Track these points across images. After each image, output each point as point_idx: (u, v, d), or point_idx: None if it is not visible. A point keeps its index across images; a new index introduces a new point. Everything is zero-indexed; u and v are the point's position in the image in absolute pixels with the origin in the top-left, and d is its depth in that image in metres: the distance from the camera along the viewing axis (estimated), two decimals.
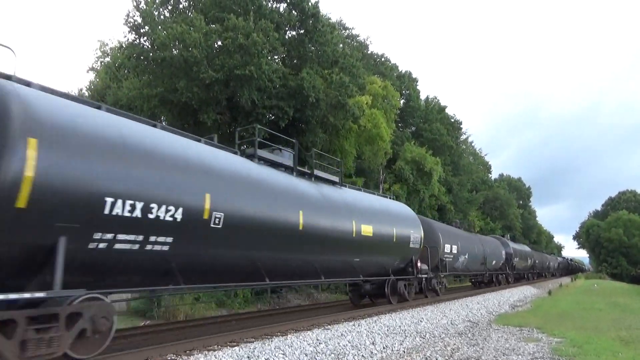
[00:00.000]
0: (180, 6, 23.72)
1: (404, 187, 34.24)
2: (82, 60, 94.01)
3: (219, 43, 20.27)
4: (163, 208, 6.94)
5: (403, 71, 43.55)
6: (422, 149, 36.88)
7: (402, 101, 39.55)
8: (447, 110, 47.80)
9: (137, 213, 6.58)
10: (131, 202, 6.50)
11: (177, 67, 19.58)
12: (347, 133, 25.99)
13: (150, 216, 6.76)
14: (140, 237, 6.74)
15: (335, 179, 13.30)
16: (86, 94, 32.79)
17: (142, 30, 21.09)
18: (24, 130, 5.47)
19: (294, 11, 23.50)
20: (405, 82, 42.36)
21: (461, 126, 50.51)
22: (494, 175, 79.72)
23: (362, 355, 8.22)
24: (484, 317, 15.14)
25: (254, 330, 9.22)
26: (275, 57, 23.44)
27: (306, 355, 7.64)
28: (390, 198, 17.46)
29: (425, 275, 16.91)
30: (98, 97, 28.83)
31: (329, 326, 10.16)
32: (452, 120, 48.44)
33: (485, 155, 68.71)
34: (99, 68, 33.71)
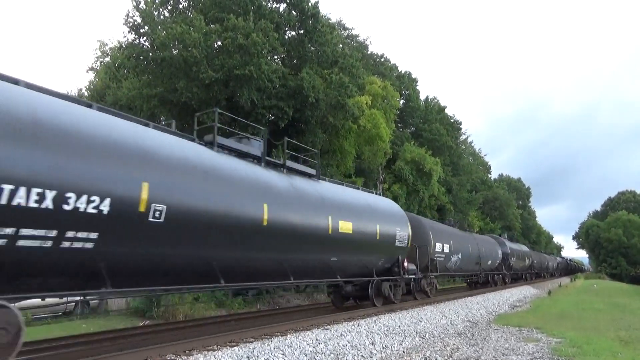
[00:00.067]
0: (180, 6, 23.73)
1: (403, 187, 34.24)
2: (82, 60, 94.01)
3: (219, 43, 20.28)
4: (84, 198, 5.95)
5: (403, 71, 43.58)
6: (422, 149, 36.87)
7: (401, 101, 39.57)
8: (446, 111, 47.82)
9: (48, 204, 5.61)
10: (39, 190, 5.53)
11: (177, 67, 19.58)
12: (346, 133, 26.02)
13: (67, 208, 5.79)
14: (53, 233, 5.77)
15: (312, 171, 12.31)
16: (86, 94, 32.80)
17: (141, 30, 21.10)
18: None
19: (293, 11, 23.52)
20: (405, 82, 42.37)
21: (461, 126, 50.53)
22: (494, 175, 79.83)
23: (362, 356, 8.22)
24: (483, 317, 15.15)
25: (254, 330, 9.21)
26: (275, 57, 23.45)
27: (305, 355, 7.64)
28: (376, 193, 16.35)
29: (414, 276, 15.92)
30: (98, 97, 28.83)
31: (328, 326, 10.15)
32: (452, 120, 48.45)
33: (484, 155, 68.84)
34: (98, 68, 33.71)
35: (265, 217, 9.05)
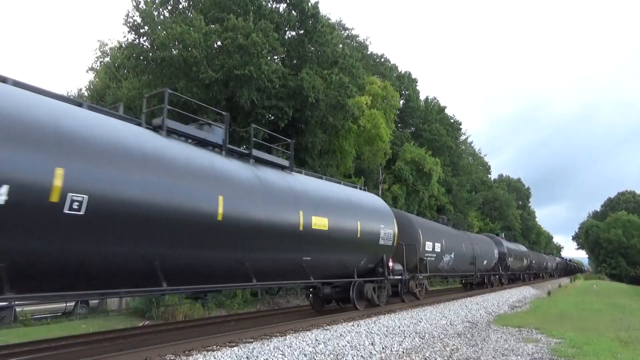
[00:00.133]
0: (180, 6, 23.73)
1: (403, 187, 34.27)
2: (82, 60, 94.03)
3: (219, 43, 20.28)
4: None
5: (402, 71, 43.65)
6: (422, 149, 36.91)
7: (401, 101, 39.62)
8: (446, 111, 47.90)
9: None
10: None
11: (177, 67, 19.58)
12: (346, 133, 26.02)
13: None
14: None
15: (285, 163, 11.32)
16: (86, 94, 32.81)
17: (141, 30, 21.10)
18: None
19: (293, 11, 23.53)
20: (405, 83, 42.42)
21: (460, 126, 50.61)
22: (494, 175, 79.90)
23: (362, 356, 8.22)
24: (483, 317, 15.15)
25: (253, 330, 9.21)
26: (275, 57, 23.45)
27: (305, 355, 7.64)
28: (359, 188, 15.28)
29: (399, 277, 14.91)
30: (98, 97, 28.85)
31: (328, 326, 10.14)
32: (452, 120, 48.50)
33: (484, 155, 68.89)
34: (98, 68, 33.75)
35: (221, 211, 7.95)
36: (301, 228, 10.10)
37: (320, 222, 10.79)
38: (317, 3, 23.43)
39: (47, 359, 7.56)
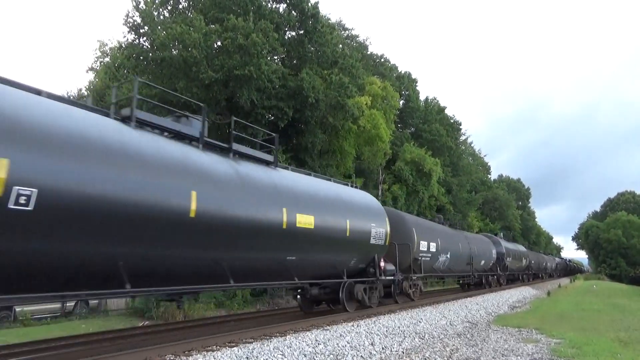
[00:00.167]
0: (180, 6, 23.73)
1: (403, 187, 34.27)
2: (82, 60, 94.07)
3: (219, 43, 20.29)
4: None
5: (402, 72, 43.66)
6: (422, 149, 36.92)
7: (401, 102, 39.63)
8: (446, 111, 47.91)
9: None
10: None
11: (177, 68, 19.59)
12: (346, 133, 26.03)
13: None
14: None
15: (269, 157, 10.69)
16: (85, 94, 32.80)
17: (141, 31, 21.11)
18: None
19: (293, 12, 23.54)
20: (405, 83, 42.43)
21: (460, 127, 50.63)
22: (493, 176, 79.92)
23: (361, 356, 8.21)
24: (482, 317, 15.15)
25: (253, 330, 9.20)
26: (275, 57, 23.46)
27: (305, 356, 7.63)
28: (352, 186, 14.70)
29: (392, 277, 14.39)
30: (97, 97, 28.82)
31: (328, 327, 10.15)
32: (452, 120, 48.51)
33: (484, 156, 68.89)
34: (98, 68, 33.72)
35: (194, 207, 7.39)
36: (284, 226, 9.53)
37: (305, 220, 10.22)
38: (317, 3, 23.46)
39: (46, 359, 7.56)
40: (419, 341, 10.16)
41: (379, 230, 13.38)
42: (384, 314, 12.77)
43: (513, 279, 34.94)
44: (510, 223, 65.37)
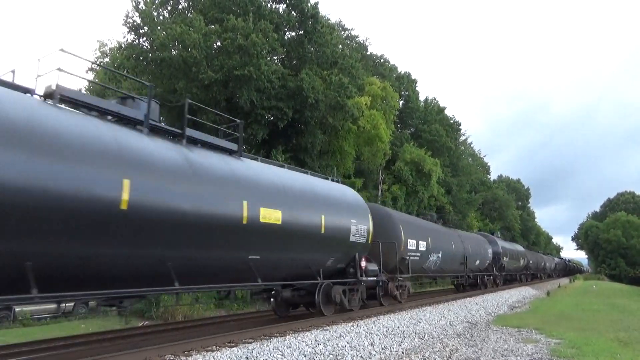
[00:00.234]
0: (180, 7, 23.76)
1: (403, 188, 34.29)
2: (82, 60, 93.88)
3: (218, 44, 20.31)
4: None
5: (402, 72, 43.70)
6: (421, 150, 36.94)
7: (401, 102, 39.66)
8: (446, 112, 47.99)
9: None
10: None
11: (176, 68, 19.60)
12: (346, 134, 26.04)
13: None
14: None
15: (232, 146, 9.65)
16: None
17: (141, 31, 21.14)
18: None
19: (293, 12, 23.56)
20: (405, 83, 42.45)
21: (460, 127, 50.71)
22: (493, 176, 79.96)
23: (361, 356, 8.22)
24: (482, 318, 15.16)
25: (253, 331, 9.19)
26: (275, 57, 23.48)
27: (305, 356, 7.64)
28: (331, 180, 13.54)
29: (374, 278, 13.39)
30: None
31: (327, 327, 10.14)
32: (451, 121, 48.56)
33: (484, 156, 68.93)
34: (98, 68, 33.69)
35: (125, 197, 6.43)
36: (245, 221, 8.52)
37: (271, 215, 9.26)
38: (316, 4, 23.48)
39: (46, 359, 7.56)
40: (419, 341, 10.17)
41: (360, 227, 12.43)
42: (384, 314, 12.77)
43: (510, 280, 34.29)
44: (510, 223, 65.41)
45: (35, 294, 5.69)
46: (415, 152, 35.70)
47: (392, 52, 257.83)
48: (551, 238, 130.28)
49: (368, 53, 39.51)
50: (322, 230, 10.87)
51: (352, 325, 10.40)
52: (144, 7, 21.05)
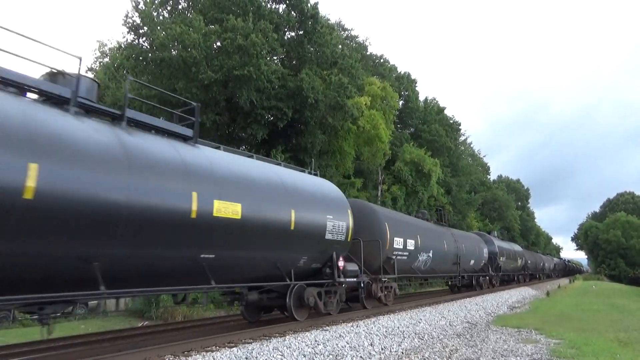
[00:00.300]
0: (180, 7, 23.77)
1: (402, 188, 34.30)
2: (81, 60, 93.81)
3: (218, 44, 20.32)
4: None
5: (402, 72, 43.73)
6: (421, 150, 36.95)
7: (400, 102, 39.67)
8: (445, 112, 47.99)
9: None
10: None
11: (176, 68, 19.61)
12: (345, 134, 26.05)
13: None
14: None
15: (186, 131, 8.58)
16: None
17: (141, 31, 21.15)
18: None
19: (293, 12, 23.57)
20: (404, 83, 42.47)
21: (460, 127, 50.72)
22: (493, 176, 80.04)
23: (361, 357, 8.22)
24: (482, 318, 15.16)
25: (252, 331, 9.19)
26: (274, 58, 23.49)
27: (304, 356, 7.63)
28: (309, 173, 12.57)
29: (354, 279, 12.30)
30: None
31: (327, 327, 10.14)
32: (451, 121, 48.58)
33: (484, 156, 69.01)
34: (97, 68, 33.71)
35: (32, 184, 5.57)
36: (193, 215, 7.51)
37: (228, 209, 8.25)
38: (316, 4, 23.49)
39: (46, 359, 7.56)
40: (419, 342, 10.16)
41: (338, 223, 11.44)
42: (383, 314, 12.77)
43: (508, 280, 33.49)
44: (510, 223, 65.45)
45: None
46: (415, 152, 35.71)
47: (392, 52, 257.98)
48: (551, 238, 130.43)
49: (368, 53, 39.54)
50: (292, 227, 9.87)
51: (352, 326, 10.40)
52: (143, 7, 21.06)
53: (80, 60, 7.29)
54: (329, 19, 27.91)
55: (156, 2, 22.25)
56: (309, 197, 10.90)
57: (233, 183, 8.70)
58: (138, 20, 20.93)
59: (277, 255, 9.82)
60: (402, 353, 8.93)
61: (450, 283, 24.51)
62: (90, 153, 6.39)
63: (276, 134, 22.14)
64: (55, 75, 6.98)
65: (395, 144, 35.90)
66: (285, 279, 10.06)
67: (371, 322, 11.10)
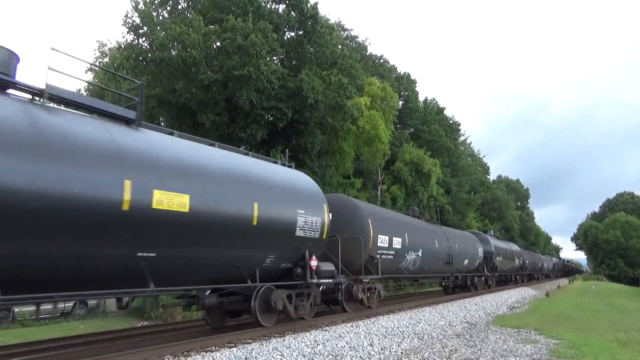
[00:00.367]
0: (179, 7, 23.77)
1: (402, 188, 34.32)
2: (81, 60, 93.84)
3: (218, 44, 20.33)
4: None
5: (402, 72, 43.73)
6: (421, 150, 36.96)
7: (400, 102, 39.68)
8: (445, 112, 47.95)
9: None
10: None
11: (176, 68, 19.61)
12: (345, 134, 26.06)
13: None
14: None
15: (128, 114, 7.51)
16: (84, 94, 32.77)
17: (140, 31, 21.15)
18: None
19: (293, 12, 23.57)
20: (404, 84, 42.47)
21: (460, 127, 50.71)
22: (493, 176, 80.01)
23: (360, 357, 8.22)
24: (481, 318, 15.16)
25: (252, 331, 9.19)
26: (274, 58, 23.49)
27: (304, 356, 7.63)
28: (282, 164, 11.47)
29: (329, 280, 11.19)
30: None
31: (327, 327, 10.15)
32: (451, 121, 48.57)
33: (483, 156, 68.96)
34: (97, 69, 33.68)
35: None
36: (126, 207, 6.51)
37: (172, 200, 7.20)
38: (316, 4, 23.49)
39: (46, 359, 7.56)
40: (418, 342, 10.17)
41: (311, 219, 10.41)
42: (383, 315, 12.78)
43: (505, 281, 32.69)
44: (509, 224, 65.48)
45: None
46: (415, 153, 35.72)
47: (392, 53, 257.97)
48: (550, 238, 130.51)
49: (367, 53, 39.52)
50: (255, 222, 8.81)
51: (352, 326, 10.40)
52: (143, 8, 21.05)
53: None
54: (328, 19, 27.92)
55: (156, 2, 22.25)
56: (276, 190, 9.85)
57: (180, 172, 7.63)
58: (138, 21, 20.93)
59: (237, 254, 8.81)
60: (402, 353, 8.93)
61: (443, 284, 23.64)
62: None
63: (276, 134, 22.14)
64: None
65: (395, 144, 35.91)
66: (247, 280, 9.09)
67: (371, 322, 11.10)
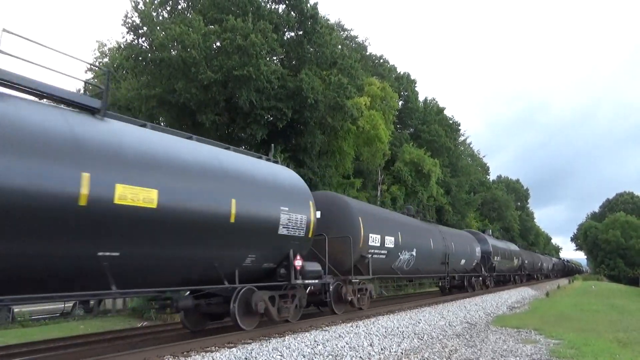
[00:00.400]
0: (179, 7, 23.77)
1: (402, 188, 34.33)
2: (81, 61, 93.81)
3: (218, 44, 20.32)
4: None
5: (401, 72, 43.76)
6: (421, 150, 36.98)
7: (400, 102, 39.70)
8: (445, 112, 48.01)
9: None
10: None
11: (176, 68, 19.60)
12: (345, 134, 26.05)
13: None
14: None
15: (92, 102, 7.02)
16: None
17: (140, 31, 21.14)
18: None
19: (292, 12, 23.57)
20: (404, 84, 42.49)
21: (459, 127, 50.78)
22: (492, 176, 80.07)
23: (360, 357, 8.21)
24: (481, 318, 15.16)
25: (252, 331, 9.19)
26: (274, 58, 23.49)
27: (304, 356, 7.63)
28: (268, 159, 10.87)
29: (315, 281, 10.73)
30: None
31: (326, 327, 10.15)
32: (451, 121, 48.62)
33: (483, 156, 69.00)
34: (97, 69, 33.67)
35: None
36: (83, 202, 6.01)
37: (137, 195, 6.68)
38: (316, 4, 23.49)
39: (46, 359, 7.56)
40: (418, 342, 10.16)
41: (295, 216, 9.94)
42: (383, 315, 12.77)
43: (504, 281, 32.34)
44: (509, 224, 65.53)
45: None
46: (415, 153, 35.73)
47: (392, 53, 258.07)
48: (550, 238, 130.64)
49: (367, 53, 39.54)
50: (232, 219, 8.29)
51: (352, 326, 10.40)
52: (143, 8, 21.04)
53: None
54: (328, 19, 27.90)
55: (156, 2, 22.24)
56: (257, 185, 9.35)
57: (148, 165, 7.11)
58: (137, 21, 20.91)
59: (213, 253, 8.26)
60: (402, 353, 8.93)
61: (440, 284, 23.13)
62: None
63: (276, 134, 22.13)
64: None
65: (395, 144, 35.92)
66: (224, 281, 8.53)
67: (370, 323, 11.11)
